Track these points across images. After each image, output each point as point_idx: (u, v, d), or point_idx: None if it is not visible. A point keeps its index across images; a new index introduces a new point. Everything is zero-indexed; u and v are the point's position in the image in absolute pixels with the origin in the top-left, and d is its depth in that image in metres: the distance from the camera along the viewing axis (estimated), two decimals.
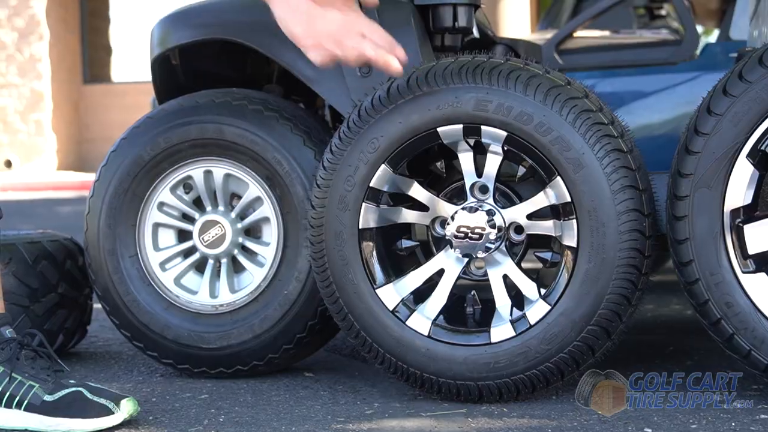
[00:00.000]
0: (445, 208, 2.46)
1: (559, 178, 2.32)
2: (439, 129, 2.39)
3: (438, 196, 2.49)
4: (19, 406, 2.31)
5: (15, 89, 16.83)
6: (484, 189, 2.45)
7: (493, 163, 2.42)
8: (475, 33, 3.01)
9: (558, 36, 4.21)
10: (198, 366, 2.78)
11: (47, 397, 2.30)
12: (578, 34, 4.40)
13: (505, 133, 2.34)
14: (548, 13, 6.97)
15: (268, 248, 2.76)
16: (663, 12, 6.93)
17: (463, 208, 2.42)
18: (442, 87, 2.37)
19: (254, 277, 2.77)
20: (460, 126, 2.37)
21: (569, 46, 4.23)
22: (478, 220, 2.40)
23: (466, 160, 2.45)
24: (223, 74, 3.29)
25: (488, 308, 2.50)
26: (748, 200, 2.26)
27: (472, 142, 2.42)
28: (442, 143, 2.43)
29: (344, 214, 2.45)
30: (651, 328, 3.48)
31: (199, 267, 2.86)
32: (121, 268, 2.81)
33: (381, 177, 2.43)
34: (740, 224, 2.26)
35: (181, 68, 3.12)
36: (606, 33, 4.78)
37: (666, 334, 3.36)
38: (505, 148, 2.38)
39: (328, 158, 2.46)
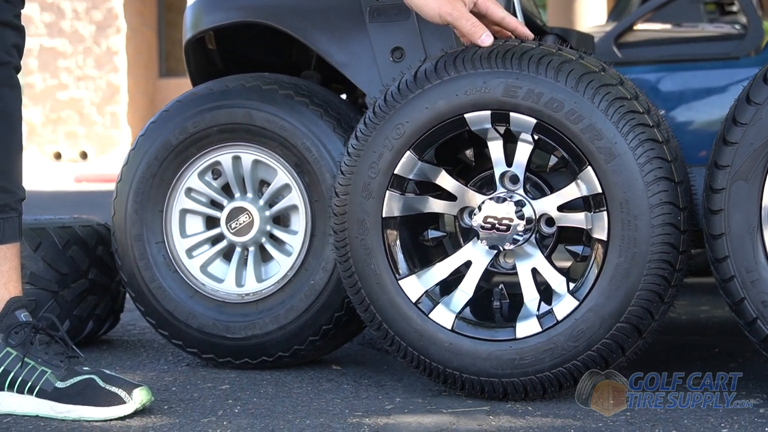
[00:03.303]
0: (474, 198, 2.38)
1: (590, 168, 2.22)
2: (466, 115, 2.30)
3: (467, 186, 2.40)
4: (30, 391, 2.26)
5: (92, 82, 17.03)
6: (514, 179, 2.36)
7: (523, 151, 2.33)
8: (520, 20, 2.92)
9: (617, 28, 4.10)
10: (223, 356, 2.73)
11: (59, 384, 2.25)
12: (639, 27, 4.29)
13: (534, 121, 2.25)
14: (617, 6, 6.85)
15: (296, 237, 2.69)
16: (734, 8, 6.77)
17: (490, 198, 2.33)
18: (471, 72, 2.28)
19: (281, 266, 2.71)
20: (488, 112, 2.28)
21: (629, 39, 4.12)
22: (506, 210, 2.31)
23: (495, 148, 2.36)
24: (267, 60, 3.24)
25: (516, 303, 2.41)
26: None
27: (501, 129, 2.32)
28: (472, 131, 2.34)
29: (368, 202, 2.37)
30: (701, 330, 3.36)
31: (227, 255, 2.81)
32: (147, 254, 2.76)
33: (406, 164, 2.35)
34: None
35: (218, 53, 3.07)
36: (667, 26, 4.65)
37: (715, 335, 3.24)
38: (536, 137, 2.29)
39: (353, 144, 2.39)
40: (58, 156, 17.45)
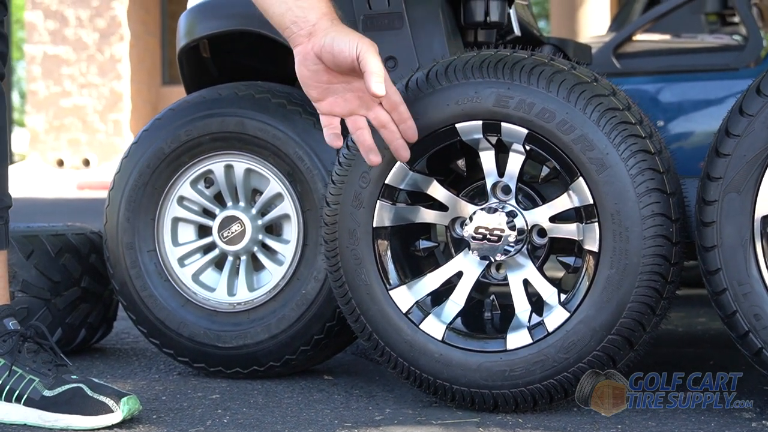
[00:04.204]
0: (465, 208, 2.36)
1: (581, 179, 2.20)
2: (457, 125, 2.28)
3: (458, 196, 2.39)
4: (18, 400, 2.25)
5: (95, 89, 17.04)
6: (506, 189, 2.35)
7: (515, 162, 2.32)
8: (516, 31, 2.91)
9: (616, 39, 4.09)
10: (214, 365, 2.71)
11: (46, 392, 2.24)
12: (638, 37, 4.28)
13: (525, 131, 2.23)
14: (618, 16, 6.85)
15: (288, 246, 2.68)
16: (736, 19, 6.77)
17: (482, 209, 2.31)
18: (462, 81, 2.27)
19: (273, 275, 2.69)
20: (480, 122, 2.27)
21: (628, 49, 4.11)
22: (498, 221, 2.29)
23: (487, 158, 2.34)
24: (263, 69, 3.23)
25: (508, 314, 2.40)
26: None
27: (493, 140, 2.31)
28: (464, 141, 2.33)
29: (358, 212, 2.36)
30: (696, 342, 3.35)
31: (218, 264, 2.79)
32: (139, 262, 2.75)
33: (397, 174, 2.34)
34: None
35: (213, 61, 3.06)
36: (666, 37, 4.64)
37: (710, 348, 3.23)
38: (528, 147, 2.27)
39: (344, 154, 2.38)
40: (60, 163, 17.46)
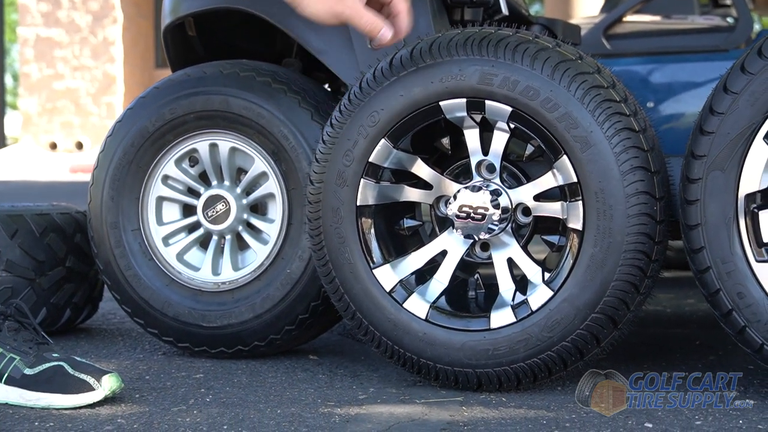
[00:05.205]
0: (450, 187, 2.35)
1: (565, 157, 2.19)
2: (441, 103, 2.27)
3: (443, 174, 2.38)
4: None
5: (88, 72, 17.00)
6: (491, 168, 2.34)
7: (499, 140, 2.31)
8: (504, 10, 2.90)
9: (607, 20, 4.08)
10: (198, 345, 2.70)
11: (27, 371, 2.23)
12: (628, 18, 4.27)
13: (510, 109, 2.22)
14: None
15: (273, 225, 2.67)
16: (728, 1, 6.76)
17: (465, 187, 2.30)
18: (446, 59, 2.26)
19: (258, 254, 2.68)
20: (464, 100, 2.26)
21: (618, 30, 4.10)
22: (482, 199, 2.28)
23: (471, 136, 2.33)
24: (251, 48, 3.21)
25: (492, 293, 2.39)
26: (765, 185, 2.12)
27: (477, 118, 2.30)
28: (448, 119, 2.31)
29: (342, 190, 2.35)
30: (684, 322, 3.34)
31: (203, 243, 2.78)
32: (123, 241, 2.74)
33: (381, 152, 2.33)
34: (755, 210, 2.12)
35: (198, 40, 3.04)
36: (657, 18, 4.63)
37: (697, 328, 3.22)
38: (512, 125, 2.26)
39: (328, 132, 2.37)
40: (53, 146, 17.43)
